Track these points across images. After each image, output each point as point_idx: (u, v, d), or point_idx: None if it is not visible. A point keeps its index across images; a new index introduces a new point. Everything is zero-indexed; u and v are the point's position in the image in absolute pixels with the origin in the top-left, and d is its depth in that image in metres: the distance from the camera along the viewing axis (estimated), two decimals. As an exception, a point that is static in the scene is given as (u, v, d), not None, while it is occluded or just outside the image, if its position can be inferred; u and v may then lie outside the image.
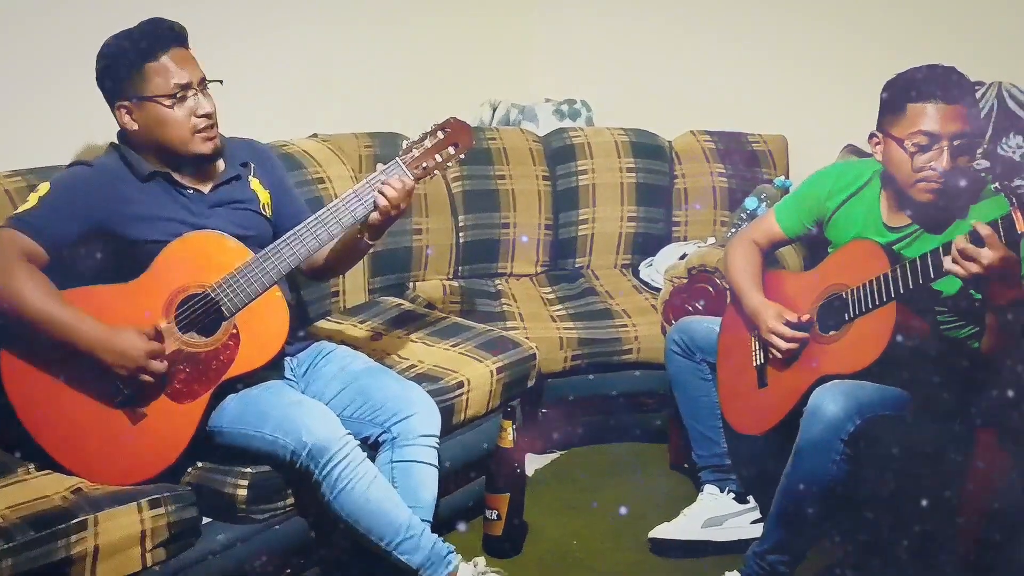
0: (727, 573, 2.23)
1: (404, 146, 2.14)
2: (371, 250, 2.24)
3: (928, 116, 2.03)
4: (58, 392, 1.95)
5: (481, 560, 2.19)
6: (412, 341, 2.61)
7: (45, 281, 1.94)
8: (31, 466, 1.95)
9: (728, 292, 2.54)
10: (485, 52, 3.73)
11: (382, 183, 2.07)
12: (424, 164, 2.12)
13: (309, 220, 2.08)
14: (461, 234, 3.19)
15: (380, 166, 2.11)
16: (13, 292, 1.90)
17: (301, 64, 3.08)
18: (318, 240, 2.07)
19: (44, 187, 2.03)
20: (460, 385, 2.40)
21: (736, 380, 2.37)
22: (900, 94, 2.08)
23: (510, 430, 2.40)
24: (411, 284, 3.07)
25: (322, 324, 2.71)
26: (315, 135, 2.99)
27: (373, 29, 3.30)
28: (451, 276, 3.18)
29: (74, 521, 1.75)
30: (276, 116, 2.92)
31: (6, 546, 1.66)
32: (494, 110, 3.65)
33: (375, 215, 2.08)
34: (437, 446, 2.17)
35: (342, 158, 2.86)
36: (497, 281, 3.23)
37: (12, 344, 1.96)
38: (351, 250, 2.22)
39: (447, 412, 2.30)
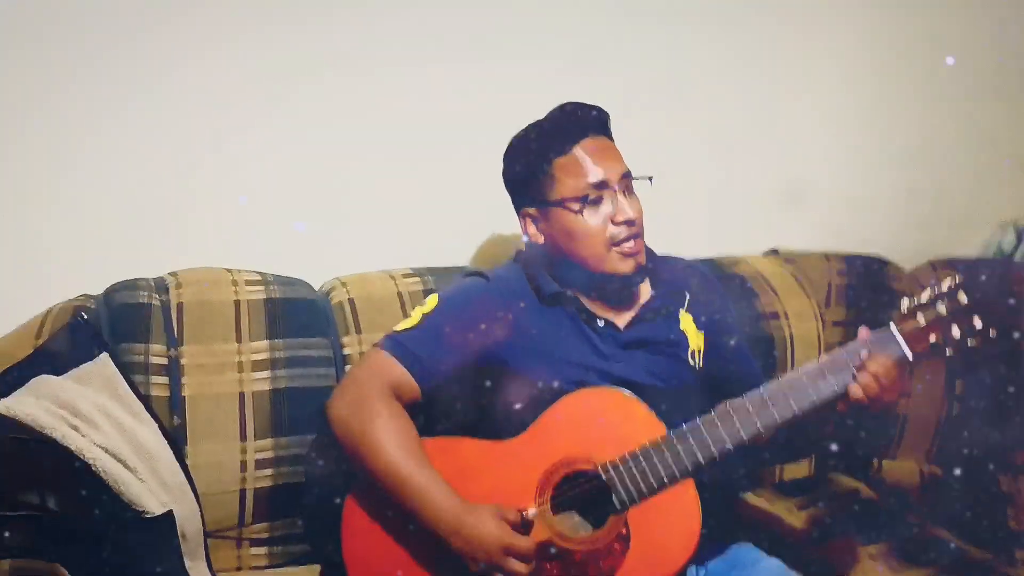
0: None
1: (901, 307, 1.48)
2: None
3: None
4: (399, 568, 1.54)
5: None
6: (871, 558, 1.87)
7: (408, 428, 1.54)
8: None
9: None
10: (1001, 154, 2.84)
11: (862, 359, 1.44)
12: (932, 337, 1.45)
13: (754, 394, 1.49)
14: (956, 404, 2.35)
15: (863, 332, 1.47)
16: (371, 436, 1.52)
17: (761, 169, 2.46)
18: (763, 424, 1.47)
19: (432, 301, 1.67)
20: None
21: None
22: None
23: None
24: (876, 461, 2.31)
25: (743, 498, 2.07)
26: (775, 250, 2.39)
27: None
28: (931, 459, 2.35)
29: None
30: (724, 225, 2.36)
31: None
32: (1020, 235, 2.74)
33: (855, 394, 1.45)
34: None
35: (807, 287, 2.22)
36: (1003, 476, 2.34)
37: (361, 494, 1.58)
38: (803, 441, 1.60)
39: None
